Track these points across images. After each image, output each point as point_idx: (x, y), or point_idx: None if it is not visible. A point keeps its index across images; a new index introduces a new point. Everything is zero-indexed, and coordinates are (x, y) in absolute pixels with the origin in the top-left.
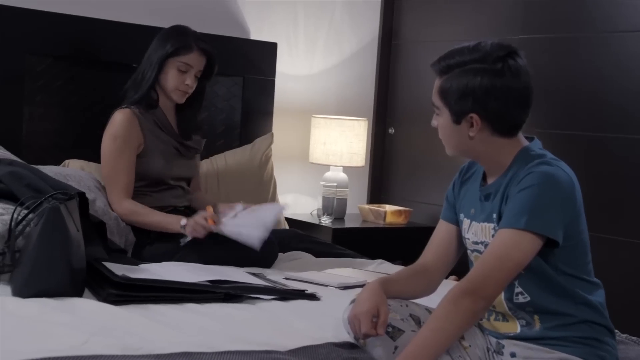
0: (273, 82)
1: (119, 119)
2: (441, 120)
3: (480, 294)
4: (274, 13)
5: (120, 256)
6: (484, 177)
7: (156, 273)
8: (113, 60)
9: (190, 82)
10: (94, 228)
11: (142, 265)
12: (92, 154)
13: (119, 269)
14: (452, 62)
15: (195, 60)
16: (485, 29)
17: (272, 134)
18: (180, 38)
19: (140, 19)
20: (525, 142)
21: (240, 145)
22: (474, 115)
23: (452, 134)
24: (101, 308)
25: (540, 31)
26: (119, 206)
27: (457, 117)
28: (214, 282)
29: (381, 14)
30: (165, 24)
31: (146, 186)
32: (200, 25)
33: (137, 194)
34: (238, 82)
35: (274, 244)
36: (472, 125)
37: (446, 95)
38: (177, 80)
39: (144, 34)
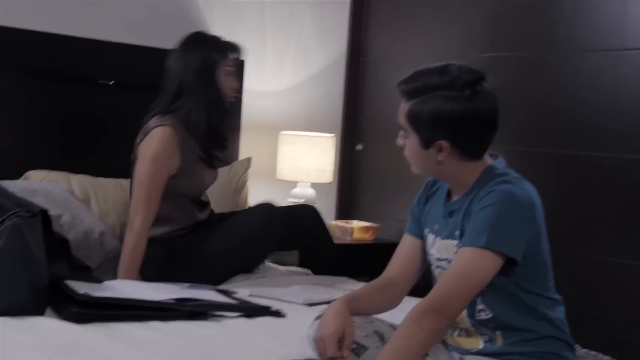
0: (240, 99)
1: (160, 138)
2: (409, 143)
3: (443, 312)
4: (242, 30)
5: (84, 274)
6: (449, 193)
7: (120, 291)
8: (78, 75)
9: (237, 83)
10: (58, 245)
11: (106, 283)
12: (57, 168)
13: (82, 287)
14: (420, 85)
15: (233, 62)
16: (453, 47)
17: (250, 158)
18: (215, 43)
19: (108, 35)
20: (490, 161)
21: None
22: (444, 142)
23: (419, 158)
24: (63, 327)
25: (507, 49)
26: (140, 231)
27: (427, 143)
28: (178, 300)
29: (349, 31)
30: (133, 40)
31: (181, 204)
32: (168, 41)
33: (174, 208)
34: None
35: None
36: (440, 151)
37: (416, 121)
38: (227, 84)
39: (111, 49)
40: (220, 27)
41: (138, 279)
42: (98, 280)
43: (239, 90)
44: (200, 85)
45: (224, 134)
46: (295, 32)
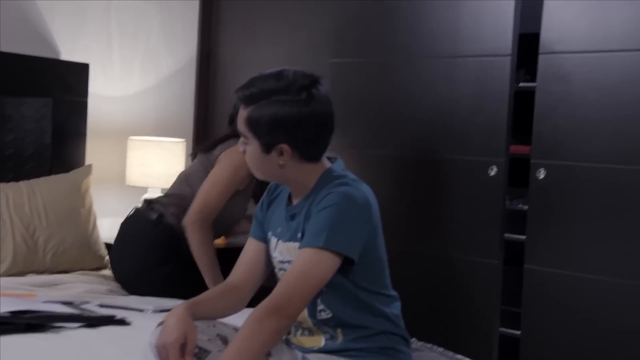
0: (85, 103)
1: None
2: (250, 148)
3: (284, 312)
4: (86, 34)
5: None
6: (290, 197)
7: None
8: None
9: None
10: None
11: None
12: None
13: None
14: (256, 91)
15: None
16: (303, 51)
17: (91, 165)
18: None
19: None
20: (328, 164)
21: (51, 169)
22: (284, 146)
23: (261, 163)
24: None
25: (353, 55)
26: (200, 225)
27: (267, 148)
28: (14, 312)
29: (199, 34)
30: None
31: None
32: (6, 44)
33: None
34: (48, 103)
35: None
36: (281, 154)
37: (255, 126)
38: None
39: None
40: (62, 29)
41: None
42: None
43: None
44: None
45: None
46: (143, 35)
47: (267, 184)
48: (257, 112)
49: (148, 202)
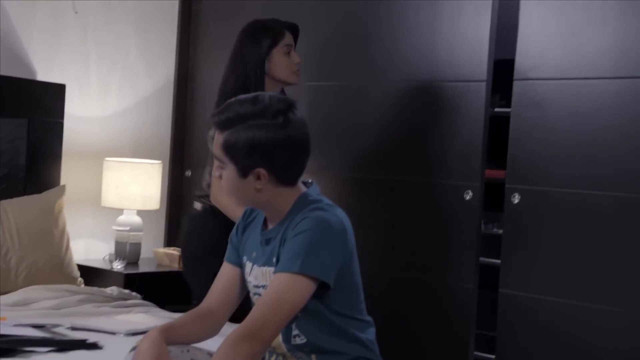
0: (61, 124)
1: None
2: (226, 173)
3: (259, 337)
4: (63, 54)
5: None
6: (265, 222)
7: None
8: None
9: (298, 58)
10: None
11: None
12: None
13: None
14: (232, 115)
15: (290, 38)
16: None
17: (64, 186)
18: (270, 27)
19: None
20: (304, 189)
21: (25, 189)
22: (261, 170)
23: (238, 188)
24: None
25: (329, 79)
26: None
27: (244, 172)
28: None
29: (177, 56)
30: None
31: None
32: None
33: None
34: (23, 123)
35: None
36: (258, 178)
37: (232, 151)
38: (288, 63)
39: None
40: (39, 49)
41: None
42: None
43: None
44: (244, 74)
45: None
46: (121, 56)
47: None
48: (234, 136)
49: (198, 197)
